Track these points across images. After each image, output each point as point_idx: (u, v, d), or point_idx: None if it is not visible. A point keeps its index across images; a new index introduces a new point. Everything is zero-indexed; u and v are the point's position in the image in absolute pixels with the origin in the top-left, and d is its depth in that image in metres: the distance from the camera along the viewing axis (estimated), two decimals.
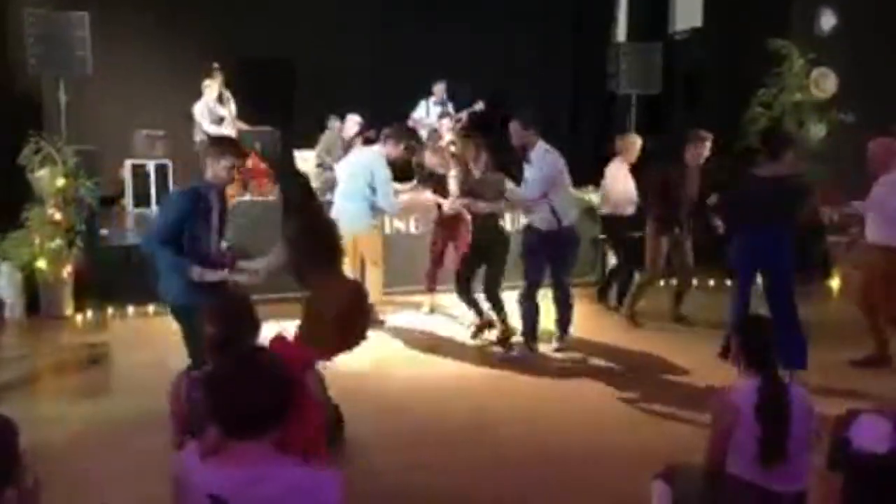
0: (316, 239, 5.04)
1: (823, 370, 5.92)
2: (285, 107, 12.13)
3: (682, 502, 3.44)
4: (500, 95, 12.03)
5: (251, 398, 2.22)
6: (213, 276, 4.71)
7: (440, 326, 7.80)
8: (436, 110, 11.36)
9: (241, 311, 3.34)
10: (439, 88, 11.43)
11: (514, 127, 6.55)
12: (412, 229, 9.00)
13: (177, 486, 2.31)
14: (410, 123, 11.04)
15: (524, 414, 5.58)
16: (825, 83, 9.91)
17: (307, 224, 5.03)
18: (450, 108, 11.41)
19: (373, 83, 11.84)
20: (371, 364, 6.42)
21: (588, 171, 8.96)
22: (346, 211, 7.29)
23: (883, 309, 6.39)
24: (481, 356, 6.90)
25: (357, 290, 5.21)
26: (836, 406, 3.03)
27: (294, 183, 5.33)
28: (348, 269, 7.28)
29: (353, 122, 10.43)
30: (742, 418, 3.21)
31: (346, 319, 4.85)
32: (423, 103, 11.48)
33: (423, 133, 11.03)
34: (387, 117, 10.00)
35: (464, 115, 11.30)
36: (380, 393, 5.96)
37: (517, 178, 6.90)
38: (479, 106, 11.39)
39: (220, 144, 5.08)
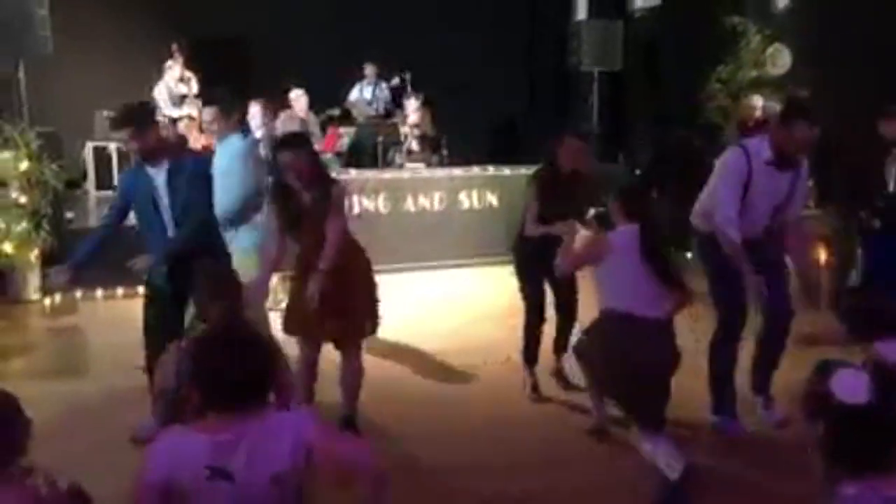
0: None
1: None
2: (243, 88, 12.00)
3: (583, 351, 4.43)
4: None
5: (243, 366, 2.30)
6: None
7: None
8: (368, 90, 11.89)
9: (235, 283, 3.45)
10: (370, 70, 11.87)
11: None
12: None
13: (164, 477, 2.28)
14: (347, 106, 11.67)
15: None
16: (780, 59, 10.15)
17: None
18: (383, 87, 11.91)
19: (328, 63, 11.76)
20: None
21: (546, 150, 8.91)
22: None
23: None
24: None
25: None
26: None
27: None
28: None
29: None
30: (619, 257, 4.09)
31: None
32: (357, 85, 11.91)
33: (357, 113, 11.62)
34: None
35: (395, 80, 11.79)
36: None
37: None
38: (397, 81, 11.77)
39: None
